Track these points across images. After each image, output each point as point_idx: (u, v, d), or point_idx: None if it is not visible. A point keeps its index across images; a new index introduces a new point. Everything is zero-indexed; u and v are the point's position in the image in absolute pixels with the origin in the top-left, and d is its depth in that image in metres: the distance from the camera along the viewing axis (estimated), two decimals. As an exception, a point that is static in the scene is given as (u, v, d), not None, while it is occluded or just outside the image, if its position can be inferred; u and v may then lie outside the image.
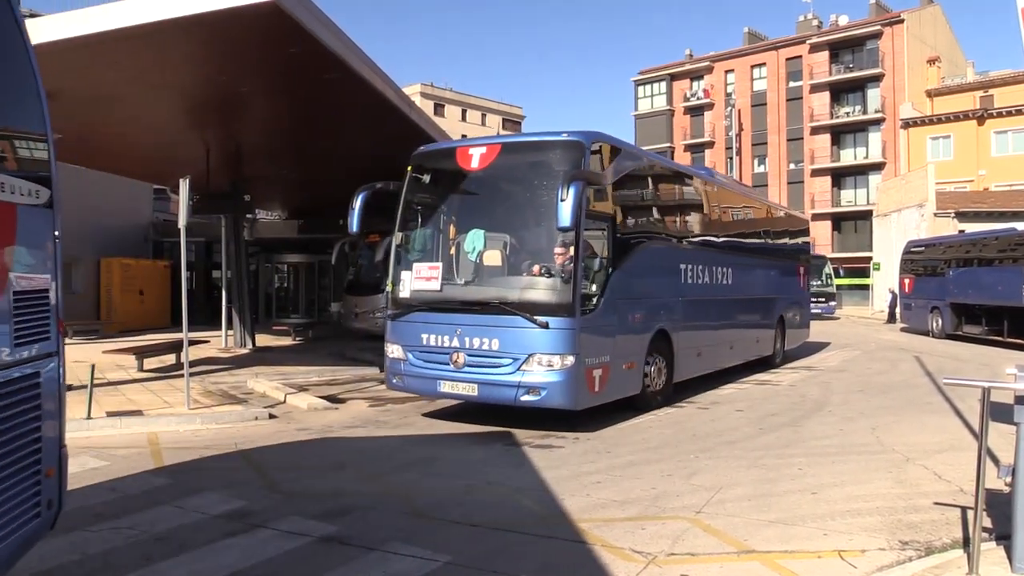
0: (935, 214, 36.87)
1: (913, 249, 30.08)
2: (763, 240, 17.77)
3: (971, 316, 24.65)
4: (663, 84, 65.82)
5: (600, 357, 9.58)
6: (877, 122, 53.73)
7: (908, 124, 50.59)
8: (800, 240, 21.12)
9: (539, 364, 9.06)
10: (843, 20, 58.53)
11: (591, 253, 9.72)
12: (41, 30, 9.44)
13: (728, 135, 59.52)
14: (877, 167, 53.54)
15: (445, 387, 9.67)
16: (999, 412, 5.21)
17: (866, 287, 44.11)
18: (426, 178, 10.52)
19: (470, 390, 9.47)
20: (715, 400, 12.60)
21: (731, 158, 59.32)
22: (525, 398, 9.11)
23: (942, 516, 6.19)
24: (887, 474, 7.61)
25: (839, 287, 45.11)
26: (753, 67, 60.98)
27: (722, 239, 14.74)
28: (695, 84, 64.51)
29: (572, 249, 9.11)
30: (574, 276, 9.09)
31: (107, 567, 5.02)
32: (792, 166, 58.37)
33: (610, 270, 9.93)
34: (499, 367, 9.24)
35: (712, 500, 6.64)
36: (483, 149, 9.98)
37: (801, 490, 6.99)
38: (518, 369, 9.12)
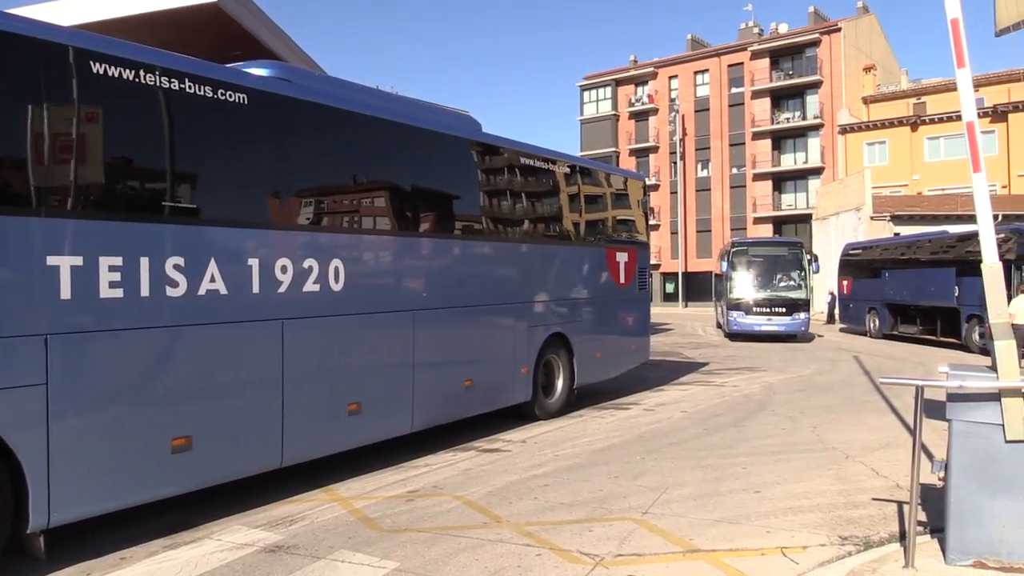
0: (872, 217, 37.87)
1: (851, 251, 30.86)
2: (441, 207, 9.25)
3: (906, 316, 25.40)
4: (608, 89, 66.38)
5: None
6: (816, 128, 55.03)
7: (845, 130, 51.92)
8: (617, 211, 13.52)
9: None
10: (783, 28, 59.86)
11: None
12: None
13: (672, 140, 60.34)
14: (816, 171, 54.82)
15: None
16: (933, 409, 5.39)
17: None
18: None
19: None
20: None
21: (675, 163, 60.16)
22: None
23: (880, 511, 6.36)
24: (827, 471, 7.78)
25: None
26: (696, 73, 61.92)
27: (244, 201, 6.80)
28: (640, 89, 65.22)
29: None
30: None
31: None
32: (735, 170, 59.41)
33: None
34: None
35: (658, 500, 6.72)
36: None
37: (745, 489, 7.11)
38: None
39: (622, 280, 13.14)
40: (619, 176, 13.97)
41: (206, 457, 6.14)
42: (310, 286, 7.06)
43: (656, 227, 61.68)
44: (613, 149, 64.31)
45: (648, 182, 60.98)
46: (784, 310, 25.21)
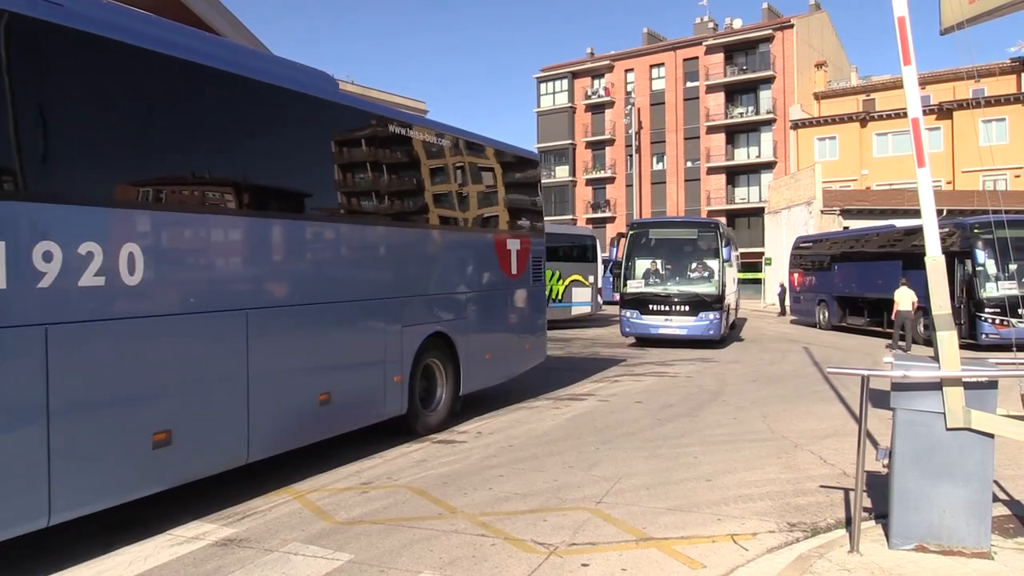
0: (822, 211, 38.54)
1: (802, 245, 31.39)
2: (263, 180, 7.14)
3: (855, 308, 25.93)
4: (565, 81, 66.50)
5: None
6: (768, 123, 55.83)
7: (797, 125, 52.77)
8: (509, 191, 11.70)
9: None
10: (737, 23, 60.55)
11: None
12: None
13: (628, 133, 60.62)
14: (769, 166, 55.65)
15: None
16: (878, 398, 5.52)
17: (759, 281, 45.82)
18: None
19: None
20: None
21: (631, 156, 60.51)
22: None
23: (827, 498, 6.51)
24: (777, 460, 7.94)
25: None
26: (652, 67, 62.33)
27: None
28: (596, 82, 65.44)
29: None
30: None
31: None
32: (689, 164, 59.99)
33: None
34: None
35: (612, 490, 6.78)
36: None
37: (697, 478, 7.21)
38: None
39: (514, 271, 11.43)
40: (512, 153, 11.87)
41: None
42: (90, 279, 5.15)
43: (612, 219, 62.08)
44: (570, 141, 64.53)
45: (604, 175, 61.77)
46: (688, 308, 19.97)
